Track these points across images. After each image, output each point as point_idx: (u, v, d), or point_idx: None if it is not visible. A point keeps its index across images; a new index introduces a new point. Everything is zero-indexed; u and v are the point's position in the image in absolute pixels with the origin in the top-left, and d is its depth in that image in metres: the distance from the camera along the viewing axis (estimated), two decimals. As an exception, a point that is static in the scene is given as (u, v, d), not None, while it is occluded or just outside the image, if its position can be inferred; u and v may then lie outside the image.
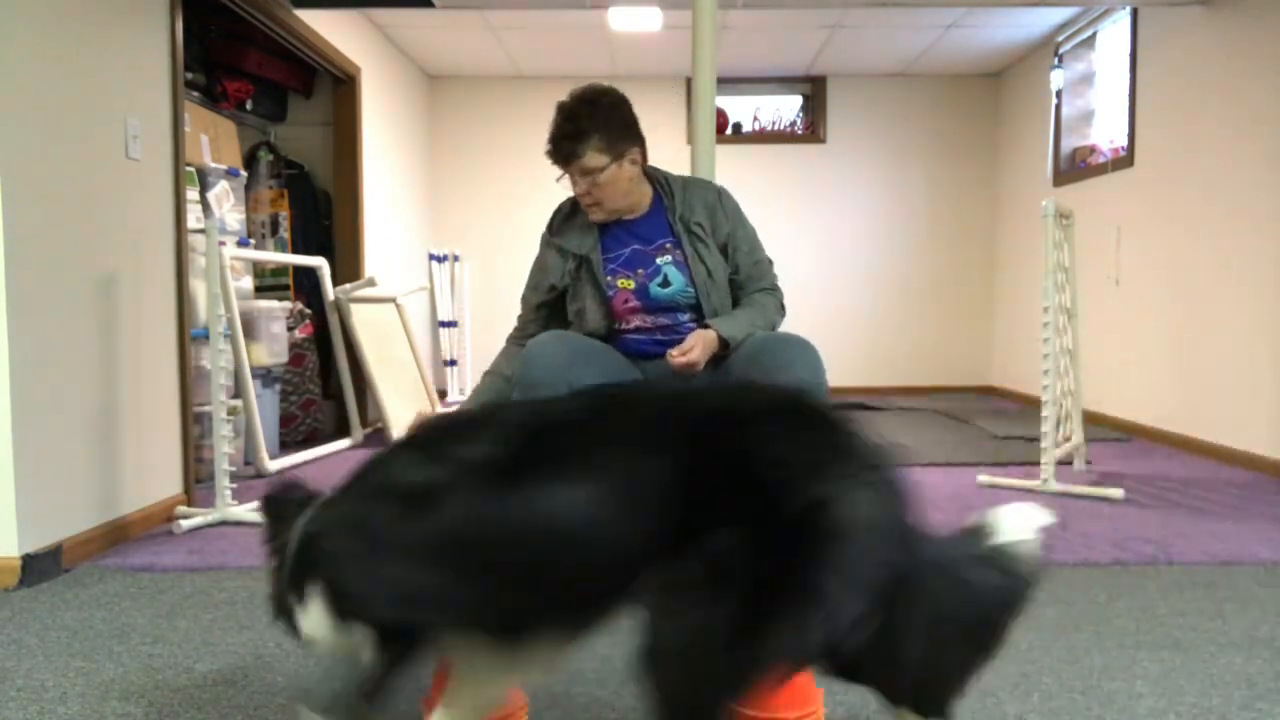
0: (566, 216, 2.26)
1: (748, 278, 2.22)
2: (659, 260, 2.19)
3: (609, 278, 2.18)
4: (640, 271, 2.18)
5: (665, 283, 2.18)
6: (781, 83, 6.82)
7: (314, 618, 1.18)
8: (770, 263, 2.29)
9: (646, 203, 2.22)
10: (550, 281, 2.23)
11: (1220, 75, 4.16)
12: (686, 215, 2.19)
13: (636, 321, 2.19)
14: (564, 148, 2.08)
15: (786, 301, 2.27)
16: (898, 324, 6.83)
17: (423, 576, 1.11)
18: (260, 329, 4.14)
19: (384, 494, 1.17)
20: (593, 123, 2.07)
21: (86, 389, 2.73)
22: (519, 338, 2.28)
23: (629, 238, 2.21)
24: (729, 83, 6.66)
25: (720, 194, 2.25)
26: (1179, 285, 4.46)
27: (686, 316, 2.18)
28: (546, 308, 2.28)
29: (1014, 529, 1.23)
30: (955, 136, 6.78)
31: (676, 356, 1.99)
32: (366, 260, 5.19)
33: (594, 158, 2.07)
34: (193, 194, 3.74)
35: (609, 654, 1.90)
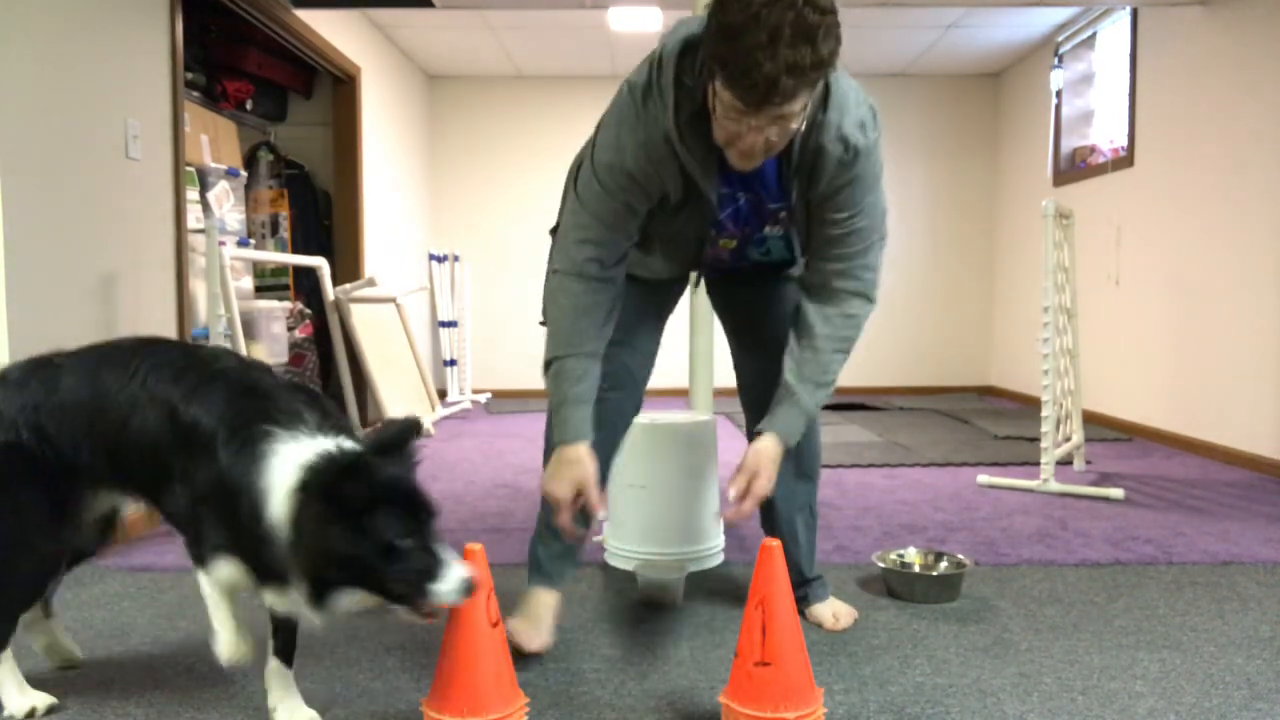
0: (693, 118, 1.58)
1: (828, 261, 1.77)
2: (768, 230, 1.82)
3: (713, 231, 1.79)
4: (746, 230, 1.82)
5: (766, 253, 1.90)
6: (781, 83, 6.81)
7: None
8: (872, 251, 1.82)
9: None
10: (659, 192, 1.69)
11: (1220, 75, 4.16)
12: (811, 157, 1.66)
13: (720, 267, 1.96)
14: (776, 90, 1.40)
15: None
16: (898, 324, 6.83)
17: None
18: (260, 329, 4.14)
19: None
20: (823, 53, 1.41)
21: (86, 389, 2.73)
22: (582, 270, 1.70)
23: (744, 183, 1.73)
24: (729, 83, 6.64)
25: (852, 144, 1.67)
26: (1179, 285, 4.46)
27: (768, 259, 1.93)
28: (636, 224, 1.73)
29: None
30: (955, 136, 6.78)
31: (739, 492, 1.66)
32: (366, 260, 5.19)
33: (800, 102, 1.46)
34: (193, 194, 3.74)
35: (609, 654, 1.90)
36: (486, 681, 1.43)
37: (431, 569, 1.32)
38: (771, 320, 2.00)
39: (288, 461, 1.35)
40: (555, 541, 1.94)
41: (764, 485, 1.67)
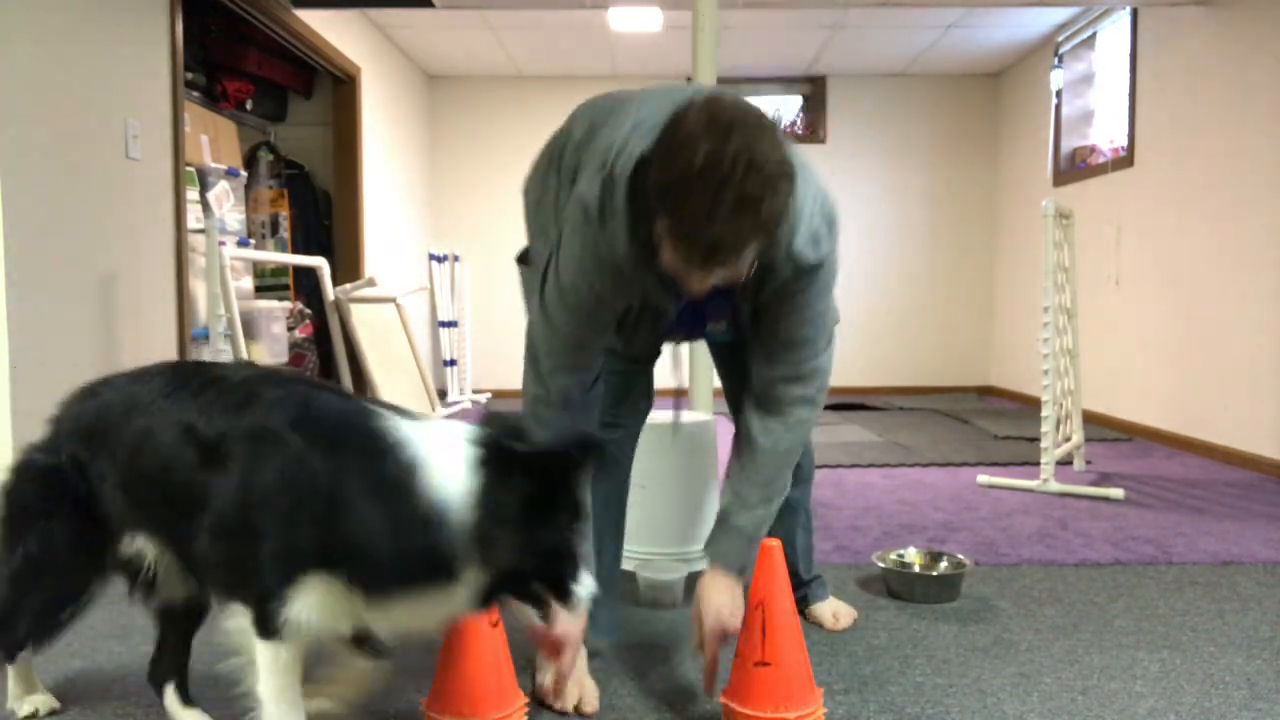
0: (649, 240, 1.43)
1: (773, 366, 1.63)
2: (710, 327, 1.73)
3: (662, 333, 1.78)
4: (694, 332, 1.80)
5: (710, 339, 1.85)
6: (781, 83, 6.82)
7: None
8: (820, 357, 1.63)
9: None
10: (624, 306, 1.62)
11: (1220, 75, 4.16)
12: (750, 292, 1.55)
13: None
14: (722, 255, 1.33)
15: None
16: (898, 324, 6.83)
17: None
18: (260, 329, 4.14)
19: None
20: (770, 217, 1.33)
21: (86, 389, 2.73)
22: (561, 399, 1.67)
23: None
24: (729, 83, 6.65)
25: (801, 263, 1.51)
26: (1179, 285, 4.46)
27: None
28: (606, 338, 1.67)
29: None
30: (955, 136, 6.78)
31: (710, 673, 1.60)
32: (366, 260, 5.19)
33: (747, 257, 1.37)
34: (193, 194, 3.74)
35: (609, 654, 1.90)
36: (486, 682, 1.43)
37: (575, 567, 1.19)
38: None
39: (439, 434, 1.13)
40: None
41: (732, 631, 1.56)
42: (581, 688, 1.65)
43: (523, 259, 1.87)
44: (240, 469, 1.18)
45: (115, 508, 1.36)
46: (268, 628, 1.20)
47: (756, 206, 1.29)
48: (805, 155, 1.50)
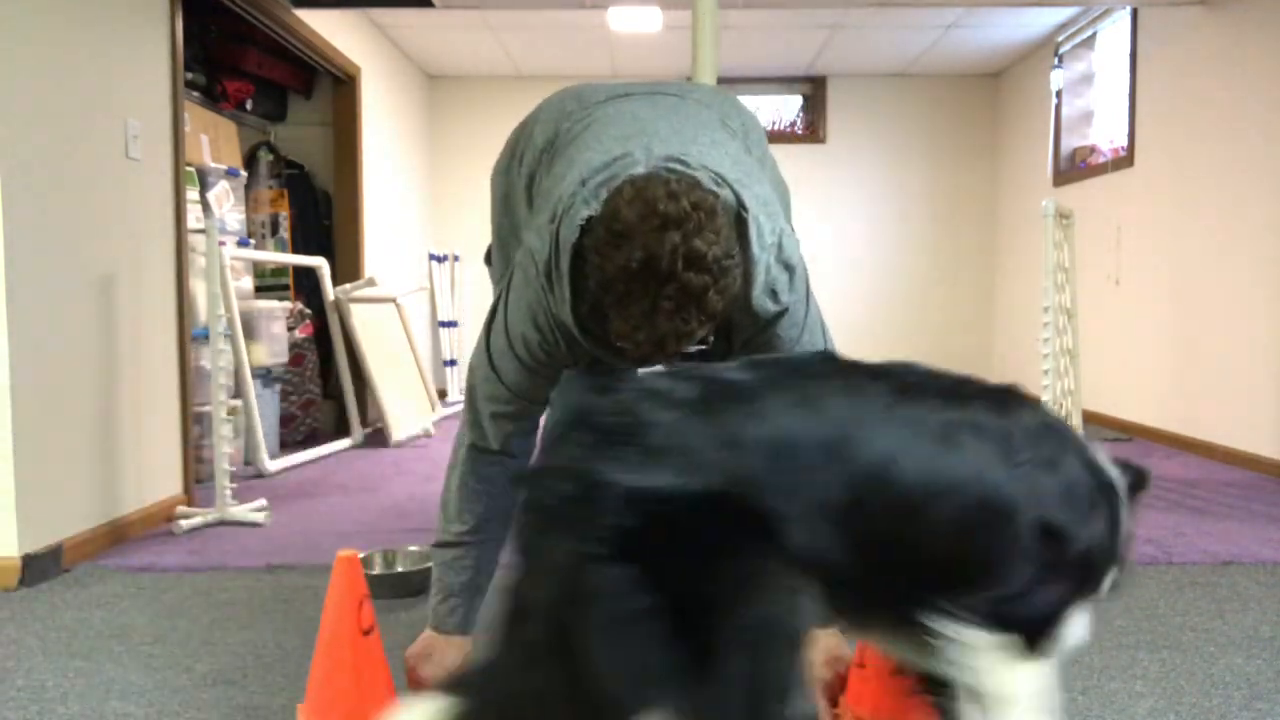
0: (594, 309, 1.38)
1: None
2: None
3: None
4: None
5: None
6: (781, 83, 6.82)
7: None
8: None
9: None
10: (573, 360, 1.54)
11: (1220, 75, 4.16)
12: (721, 342, 1.50)
13: None
14: (663, 350, 1.30)
15: None
16: (898, 324, 6.83)
17: None
18: (260, 329, 4.14)
19: None
20: (713, 308, 1.29)
21: (86, 389, 2.73)
22: (496, 445, 1.59)
23: None
24: (729, 83, 6.65)
25: (760, 314, 1.47)
26: (1179, 285, 4.46)
27: None
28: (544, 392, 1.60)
29: None
30: (955, 136, 6.79)
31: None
32: (366, 260, 5.19)
33: (695, 340, 1.34)
34: (193, 194, 3.74)
35: (609, 654, 1.90)
36: (358, 688, 1.43)
37: None
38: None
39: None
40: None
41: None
42: None
43: (488, 259, 1.82)
44: None
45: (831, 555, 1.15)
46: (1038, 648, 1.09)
47: (700, 300, 1.26)
48: (755, 187, 1.46)
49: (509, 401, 1.56)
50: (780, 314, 1.48)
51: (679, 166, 1.40)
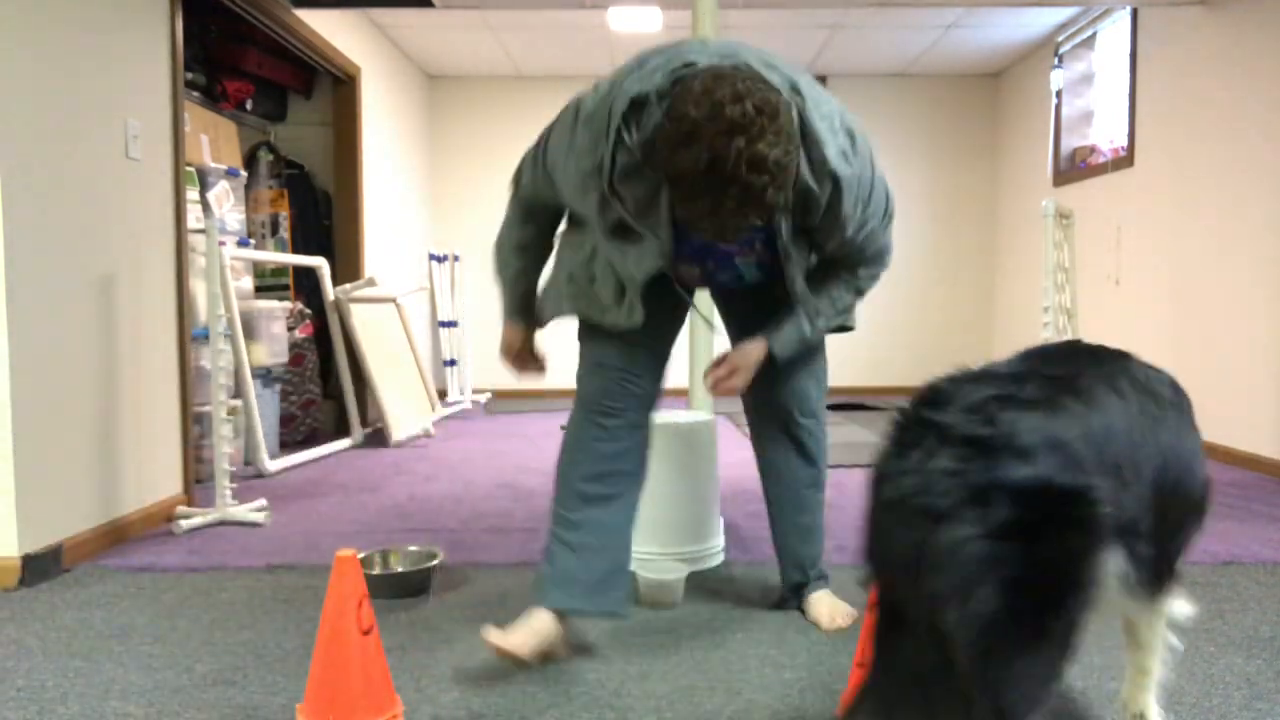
0: (634, 178, 1.58)
1: (846, 256, 1.78)
2: (738, 260, 1.79)
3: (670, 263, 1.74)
4: (711, 264, 1.81)
5: (740, 279, 1.85)
6: (781, 83, 6.82)
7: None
8: (884, 227, 1.77)
9: None
10: (586, 208, 1.68)
11: (1220, 75, 4.16)
12: (796, 216, 1.66)
13: (691, 284, 1.90)
14: (736, 232, 1.49)
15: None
16: (898, 324, 6.83)
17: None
18: (260, 329, 4.14)
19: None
20: (772, 202, 1.46)
21: (86, 389, 2.73)
22: (521, 250, 1.90)
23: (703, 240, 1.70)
24: (729, 83, 6.65)
25: (836, 175, 1.59)
26: (1179, 285, 4.46)
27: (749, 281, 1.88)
28: (553, 222, 1.87)
29: None
30: (955, 136, 6.79)
31: (716, 379, 1.80)
32: (366, 260, 5.19)
33: (768, 213, 1.51)
34: (193, 194, 3.74)
35: (609, 654, 1.90)
36: (357, 688, 1.43)
37: None
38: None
39: None
40: (563, 557, 1.86)
41: (739, 384, 1.81)
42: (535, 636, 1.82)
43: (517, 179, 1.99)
44: None
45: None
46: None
47: (760, 198, 1.42)
48: (809, 79, 1.61)
49: (528, 207, 1.84)
50: (852, 177, 1.62)
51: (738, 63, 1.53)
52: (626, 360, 1.88)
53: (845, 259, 1.79)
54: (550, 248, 1.97)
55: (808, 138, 1.56)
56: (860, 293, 1.85)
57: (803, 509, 2.11)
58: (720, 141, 1.37)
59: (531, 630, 1.81)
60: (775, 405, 2.04)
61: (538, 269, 1.99)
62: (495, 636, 1.76)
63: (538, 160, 1.80)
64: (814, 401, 2.06)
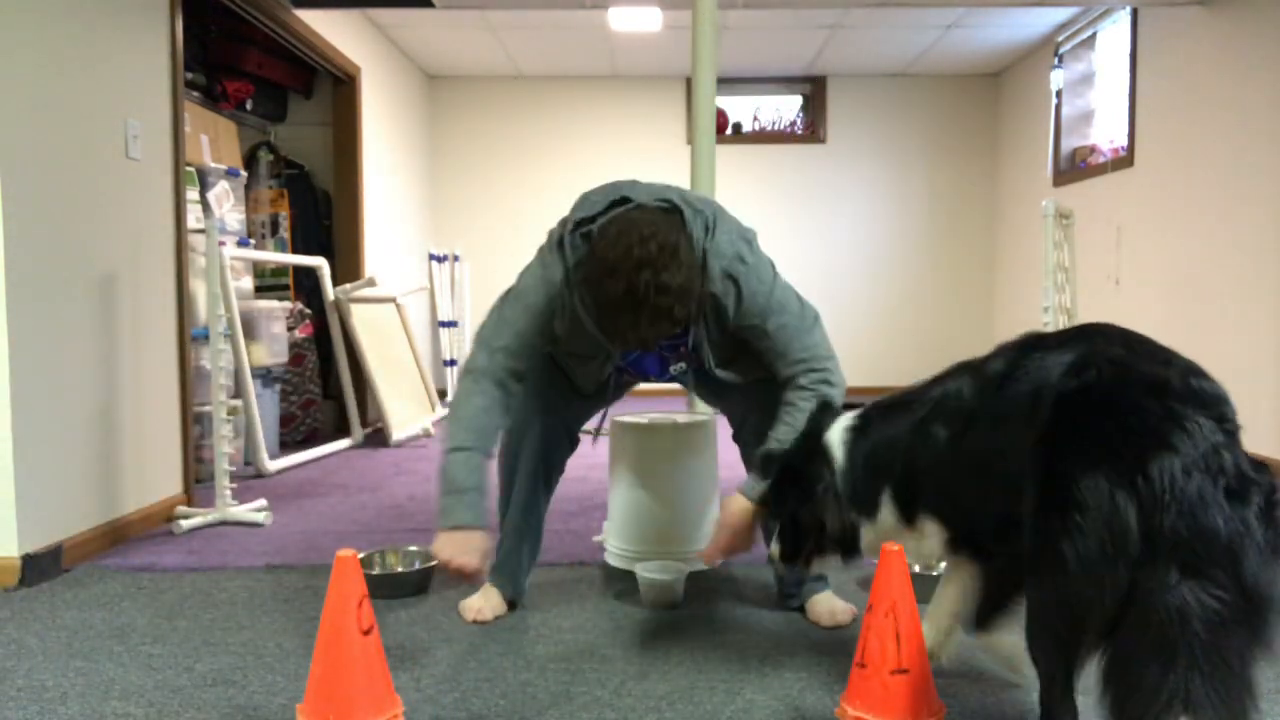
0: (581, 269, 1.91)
1: (781, 366, 1.95)
2: (673, 368, 2.13)
3: (617, 373, 2.14)
4: (650, 376, 2.18)
5: (673, 378, 2.18)
6: (781, 83, 6.82)
7: (884, 512, 1.57)
8: (806, 329, 1.95)
9: None
10: (560, 336, 1.99)
11: (1220, 75, 4.16)
12: (710, 324, 1.94)
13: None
14: (654, 341, 1.83)
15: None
16: (897, 324, 6.83)
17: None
18: (260, 329, 4.14)
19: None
20: (683, 313, 1.78)
21: (86, 389, 2.73)
22: (497, 376, 1.95)
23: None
24: (729, 83, 6.65)
25: (734, 277, 1.88)
26: (1179, 285, 4.46)
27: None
28: (538, 358, 2.05)
29: None
30: (955, 136, 6.78)
31: (717, 553, 1.92)
32: (366, 260, 5.19)
33: (676, 328, 1.81)
34: (193, 194, 3.74)
35: (609, 654, 1.90)
36: (357, 687, 1.43)
37: None
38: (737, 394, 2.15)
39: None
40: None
41: (741, 546, 1.92)
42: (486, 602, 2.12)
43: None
44: None
45: None
46: None
47: (669, 314, 1.75)
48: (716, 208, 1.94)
49: (512, 339, 1.95)
50: (747, 273, 1.90)
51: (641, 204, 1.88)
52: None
53: (782, 372, 1.95)
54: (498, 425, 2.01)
55: (709, 254, 1.86)
56: (820, 398, 1.91)
57: None
58: (633, 275, 1.70)
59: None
60: (747, 443, 2.12)
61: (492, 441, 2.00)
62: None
63: (521, 290, 2.01)
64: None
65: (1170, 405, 1.20)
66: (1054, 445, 1.25)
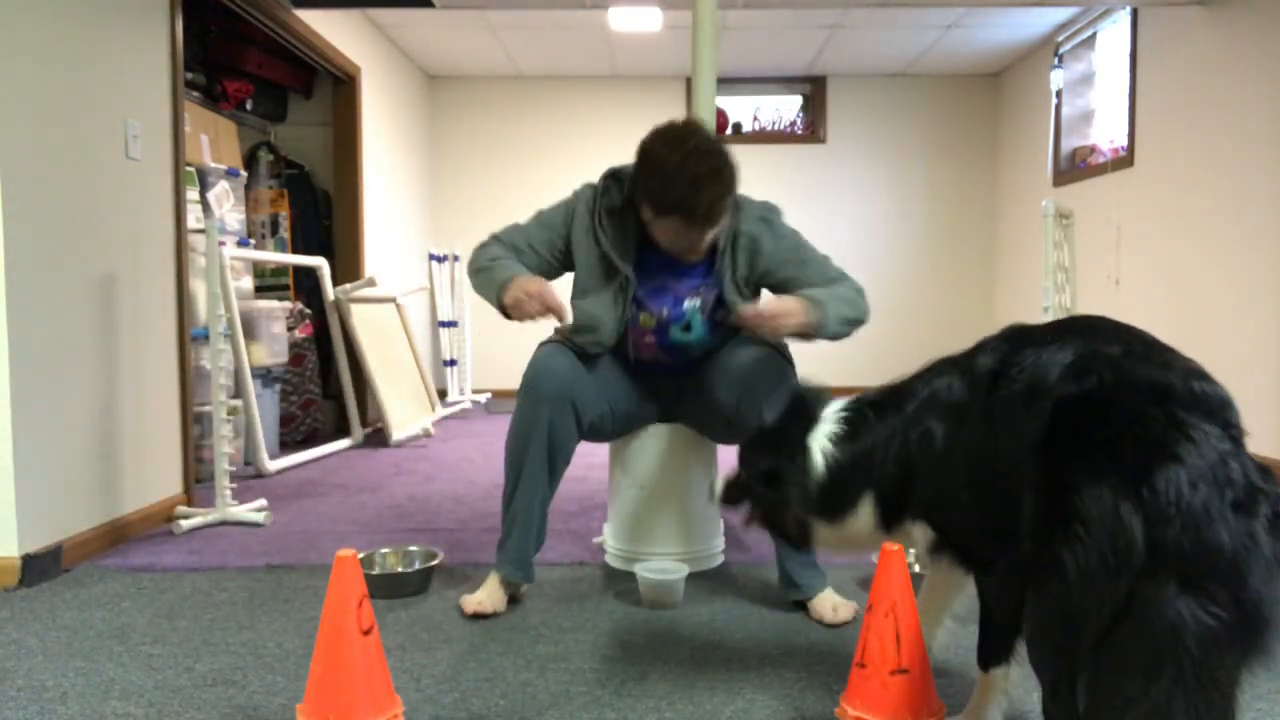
0: (613, 213, 2.17)
1: (813, 280, 2.15)
2: (686, 304, 2.18)
3: (634, 306, 2.18)
4: (664, 311, 2.19)
5: (687, 328, 2.20)
6: (781, 83, 6.82)
7: (863, 516, 1.51)
8: (827, 260, 2.21)
9: None
10: (559, 260, 2.25)
11: (1220, 75, 4.16)
12: (738, 239, 2.15)
13: (648, 353, 2.25)
14: (717, 210, 1.99)
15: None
16: (898, 324, 6.83)
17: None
18: (260, 329, 4.14)
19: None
20: (732, 183, 2.01)
21: (86, 389, 2.73)
22: (501, 246, 2.26)
23: (664, 266, 2.17)
24: (729, 83, 6.66)
25: (769, 220, 2.19)
26: (1179, 285, 4.46)
27: (697, 354, 2.25)
28: (534, 263, 2.23)
29: None
30: (955, 136, 6.78)
31: (760, 315, 2.01)
32: (366, 260, 5.19)
33: (725, 215, 2.04)
34: (193, 194, 3.74)
35: (609, 654, 1.90)
36: (357, 687, 1.43)
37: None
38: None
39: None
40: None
41: (791, 322, 2.00)
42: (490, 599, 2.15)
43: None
44: None
45: None
46: None
47: (722, 178, 1.98)
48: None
49: (520, 237, 2.26)
50: (777, 216, 2.22)
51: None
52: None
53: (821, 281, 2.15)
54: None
55: (741, 201, 2.16)
56: (858, 293, 2.13)
57: None
58: (690, 138, 1.98)
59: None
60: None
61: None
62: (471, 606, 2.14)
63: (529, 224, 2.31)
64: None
65: (1174, 412, 1.17)
66: (1055, 452, 1.22)
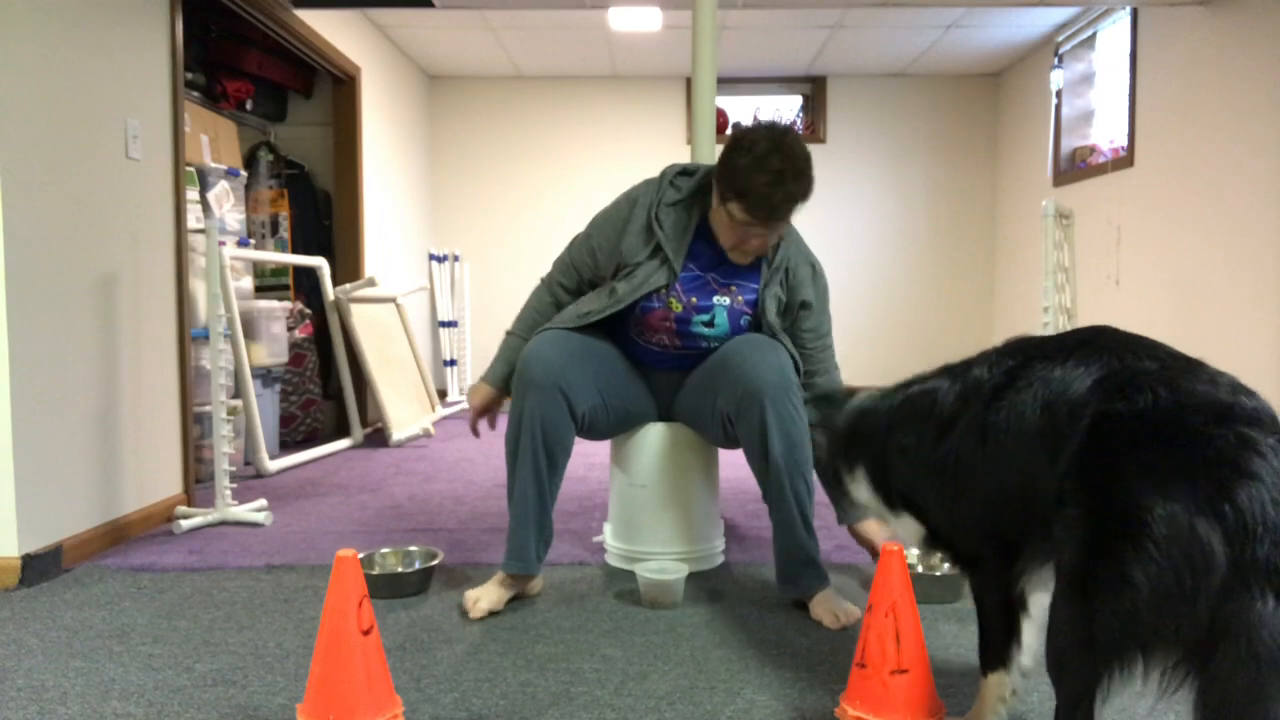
0: (674, 205, 2.25)
1: (809, 332, 2.31)
2: (716, 299, 2.24)
3: (665, 292, 2.24)
4: (693, 300, 2.24)
5: (711, 323, 2.26)
6: (781, 83, 6.82)
7: (859, 484, 1.61)
8: (830, 321, 2.36)
9: None
10: (605, 269, 2.33)
11: (1220, 75, 4.16)
12: (788, 264, 2.26)
13: (661, 339, 2.28)
14: (784, 210, 2.07)
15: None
16: (897, 324, 6.83)
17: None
18: (260, 329, 4.14)
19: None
20: (808, 190, 2.08)
21: (86, 389, 2.73)
22: (553, 289, 2.42)
23: (710, 263, 2.26)
24: (729, 83, 6.66)
25: (816, 268, 2.33)
26: (1179, 285, 4.46)
27: (711, 348, 2.29)
28: (588, 278, 2.39)
29: None
30: (955, 136, 6.79)
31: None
32: (366, 260, 5.19)
33: (787, 221, 2.13)
34: (193, 194, 3.74)
35: (609, 654, 1.90)
36: (357, 687, 1.43)
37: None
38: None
39: None
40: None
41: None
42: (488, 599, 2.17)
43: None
44: None
45: None
46: None
47: (803, 175, 2.05)
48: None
49: (575, 251, 2.40)
50: (821, 272, 2.34)
51: None
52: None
53: (809, 343, 2.32)
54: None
55: (792, 233, 2.30)
56: (834, 368, 2.37)
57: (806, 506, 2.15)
58: (782, 139, 2.05)
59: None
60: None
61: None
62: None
63: (586, 237, 2.40)
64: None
65: (1240, 430, 1.14)
66: (1111, 469, 1.18)
